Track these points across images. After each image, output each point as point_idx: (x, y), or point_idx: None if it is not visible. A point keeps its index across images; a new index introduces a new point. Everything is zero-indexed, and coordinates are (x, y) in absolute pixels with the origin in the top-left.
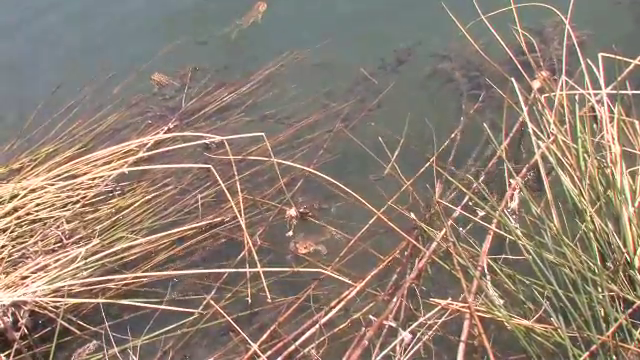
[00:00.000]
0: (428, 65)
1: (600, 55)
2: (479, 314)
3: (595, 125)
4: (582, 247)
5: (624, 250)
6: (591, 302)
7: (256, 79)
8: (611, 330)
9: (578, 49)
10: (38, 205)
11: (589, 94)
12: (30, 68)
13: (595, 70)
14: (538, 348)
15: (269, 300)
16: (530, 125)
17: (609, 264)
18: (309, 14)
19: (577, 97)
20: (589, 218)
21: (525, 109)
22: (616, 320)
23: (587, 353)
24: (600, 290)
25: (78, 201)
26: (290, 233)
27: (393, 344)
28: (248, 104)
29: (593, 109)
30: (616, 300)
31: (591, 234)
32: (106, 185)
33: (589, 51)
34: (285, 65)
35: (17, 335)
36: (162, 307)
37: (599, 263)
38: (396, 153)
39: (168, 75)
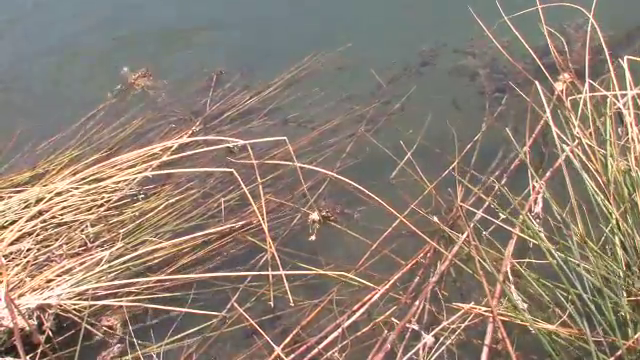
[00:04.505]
0: (451, 67)
1: (626, 57)
2: (502, 318)
3: (620, 128)
4: (607, 252)
5: None
6: (616, 307)
7: (279, 82)
8: (637, 335)
9: (606, 50)
10: (63, 208)
11: (615, 96)
12: (57, 73)
13: (626, 71)
14: (562, 352)
15: (292, 304)
16: (554, 128)
17: (635, 268)
18: (332, 16)
19: (605, 99)
20: (614, 222)
21: (548, 111)
22: None
23: (612, 358)
24: (625, 295)
25: (103, 204)
26: (313, 237)
27: (416, 348)
28: (271, 107)
29: (619, 111)
30: None
31: (616, 238)
32: (130, 188)
33: (613, 53)
34: (308, 68)
35: (42, 338)
36: (186, 310)
37: (624, 267)
38: (409, 155)
39: (193, 79)
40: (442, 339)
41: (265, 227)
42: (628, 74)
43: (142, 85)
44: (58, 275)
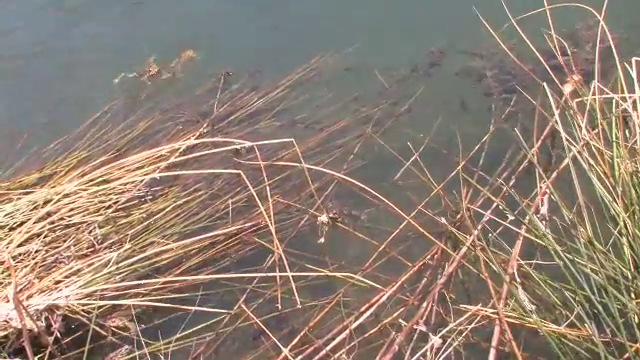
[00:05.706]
0: (459, 68)
1: (634, 59)
2: (510, 320)
3: (628, 129)
4: (615, 253)
5: None
6: (624, 308)
7: (286, 84)
8: None
9: (615, 52)
10: (71, 210)
11: (622, 98)
12: (65, 74)
13: (634, 72)
14: (571, 354)
15: (299, 305)
16: (561, 129)
17: None
18: (339, 17)
19: (613, 101)
20: (622, 223)
21: (557, 113)
22: None
23: None
24: (633, 297)
25: (110, 206)
26: (322, 240)
27: (424, 349)
28: (279, 109)
29: (626, 113)
30: None
31: (624, 239)
32: (138, 190)
33: (623, 54)
34: (316, 69)
35: (50, 339)
36: (195, 308)
37: (632, 269)
38: (416, 156)
39: (200, 80)
40: (449, 341)
41: (272, 228)
42: (635, 76)
43: (154, 81)
44: (66, 276)
